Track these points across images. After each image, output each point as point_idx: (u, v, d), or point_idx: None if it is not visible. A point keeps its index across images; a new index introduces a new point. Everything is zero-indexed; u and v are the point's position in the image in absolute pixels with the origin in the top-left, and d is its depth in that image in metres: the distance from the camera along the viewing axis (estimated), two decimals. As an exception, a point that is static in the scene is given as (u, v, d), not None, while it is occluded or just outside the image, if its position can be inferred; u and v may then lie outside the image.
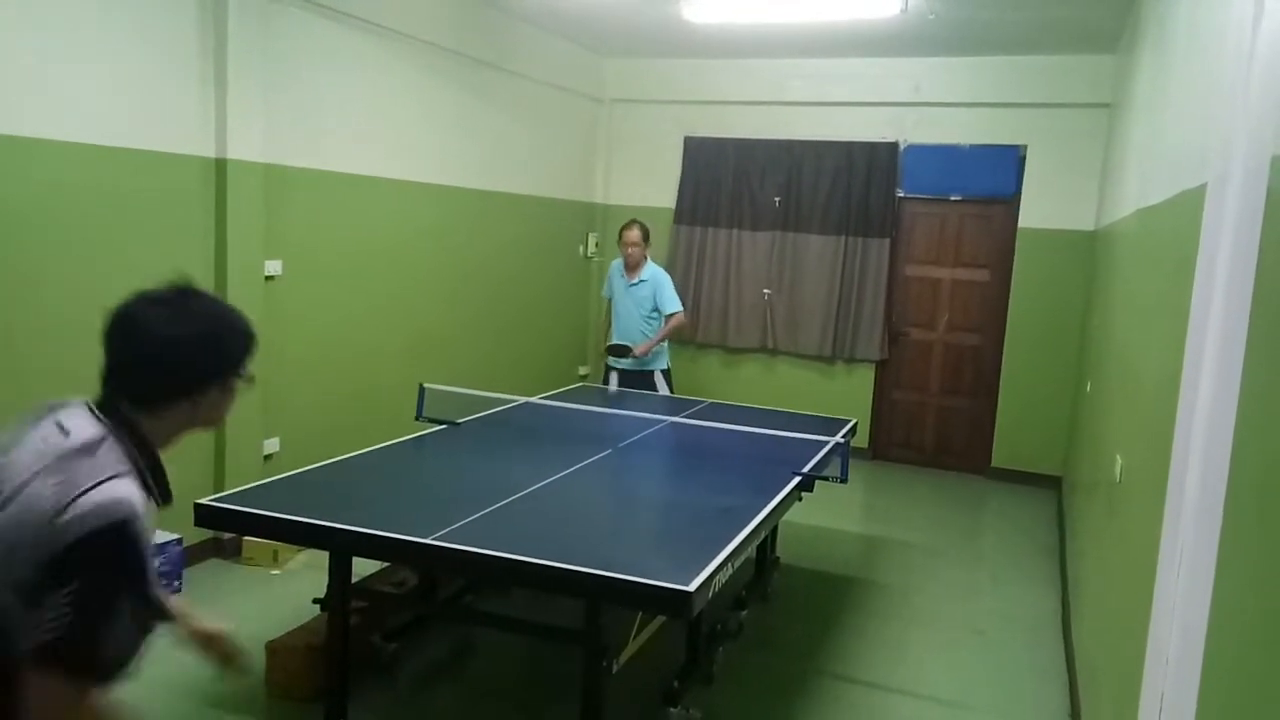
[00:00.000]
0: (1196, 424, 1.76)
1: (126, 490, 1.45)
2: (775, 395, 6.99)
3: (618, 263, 5.85)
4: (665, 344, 5.85)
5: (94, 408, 1.55)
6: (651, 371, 5.75)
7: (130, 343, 1.56)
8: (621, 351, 5.63)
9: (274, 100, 4.46)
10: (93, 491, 1.42)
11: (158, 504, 1.57)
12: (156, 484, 1.56)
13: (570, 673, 2.87)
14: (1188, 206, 2.18)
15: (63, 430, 1.50)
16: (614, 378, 5.63)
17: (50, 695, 1.40)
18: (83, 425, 1.51)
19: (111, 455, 1.48)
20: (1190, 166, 2.27)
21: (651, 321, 5.71)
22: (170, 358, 1.56)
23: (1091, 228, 6.35)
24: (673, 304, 5.70)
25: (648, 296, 5.68)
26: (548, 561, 2.49)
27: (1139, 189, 3.64)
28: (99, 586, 1.40)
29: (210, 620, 1.90)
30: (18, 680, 1.39)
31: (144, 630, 1.50)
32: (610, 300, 5.93)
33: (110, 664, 1.44)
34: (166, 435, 1.61)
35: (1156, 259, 2.78)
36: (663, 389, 5.75)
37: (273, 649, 3.26)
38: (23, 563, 1.38)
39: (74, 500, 1.40)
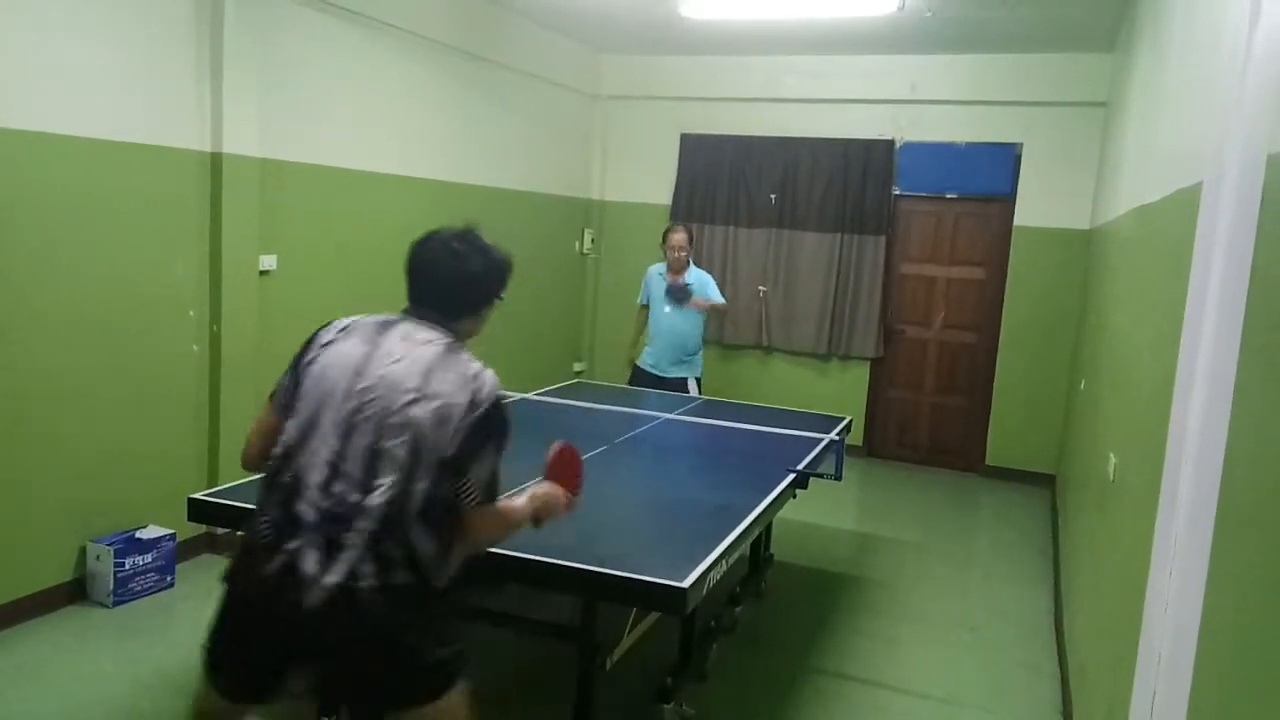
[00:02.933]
0: (1191, 422, 1.76)
1: (493, 376, 2.08)
2: (770, 392, 7.00)
3: (657, 267, 5.70)
4: (702, 354, 5.76)
5: (422, 320, 2.13)
6: (684, 379, 5.62)
7: (443, 270, 2.17)
8: (683, 293, 5.50)
9: (270, 94, 4.45)
10: (485, 373, 2.06)
11: None
12: None
13: (564, 669, 2.86)
14: (1183, 205, 2.18)
15: (421, 340, 2.07)
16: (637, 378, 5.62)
17: (487, 520, 2.08)
18: (431, 334, 2.10)
19: (464, 350, 2.10)
20: (1186, 165, 2.27)
21: (697, 322, 5.61)
22: (476, 284, 2.20)
23: (1087, 226, 6.37)
24: (721, 297, 5.68)
25: (700, 294, 5.60)
26: (542, 557, 2.48)
27: (1134, 187, 3.64)
28: (504, 436, 2.05)
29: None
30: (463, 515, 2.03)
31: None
32: (645, 307, 5.76)
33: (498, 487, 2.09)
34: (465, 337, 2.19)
35: (1152, 257, 2.78)
36: (694, 394, 5.66)
37: (266, 644, 3.24)
38: (454, 434, 1.96)
39: (477, 378, 2.02)
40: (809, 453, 3.83)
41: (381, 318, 2.13)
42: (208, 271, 4.22)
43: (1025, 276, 6.67)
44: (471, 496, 2.00)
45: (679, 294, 5.52)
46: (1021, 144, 6.62)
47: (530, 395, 4.71)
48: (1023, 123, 6.58)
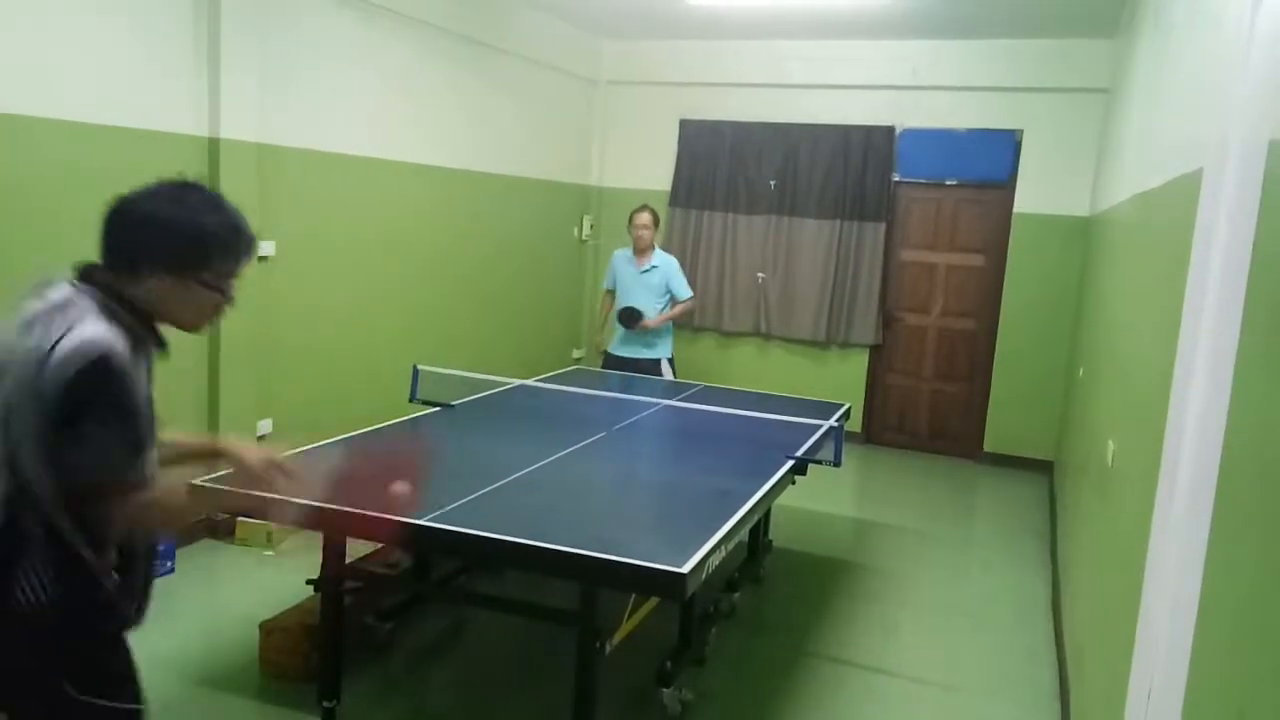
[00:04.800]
0: (1190, 408, 1.76)
1: (94, 330, 1.55)
2: (769, 379, 7.00)
3: (622, 252, 5.80)
4: (671, 332, 5.82)
5: (73, 279, 1.66)
6: (657, 360, 5.72)
7: (120, 218, 1.67)
8: (633, 318, 5.59)
9: (267, 80, 4.43)
10: (66, 337, 1.53)
11: (156, 347, 1.70)
12: (144, 328, 1.66)
13: (563, 653, 2.88)
14: (1184, 191, 2.18)
15: (42, 298, 1.62)
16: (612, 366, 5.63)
17: (123, 512, 1.60)
18: (59, 290, 1.63)
19: (83, 306, 1.59)
20: (1187, 151, 2.27)
21: (662, 307, 5.68)
22: (149, 229, 1.65)
23: (1086, 213, 6.36)
24: (686, 290, 5.72)
25: (660, 283, 5.65)
26: (542, 543, 2.49)
27: (1135, 174, 3.63)
28: (101, 419, 1.54)
29: (256, 447, 1.93)
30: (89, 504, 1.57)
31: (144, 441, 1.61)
32: (611, 292, 5.85)
33: (140, 470, 1.60)
34: (147, 303, 1.67)
35: (1152, 243, 2.78)
36: (668, 376, 5.72)
37: (267, 629, 3.26)
38: (34, 414, 1.52)
39: (53, 348, 1.52)
40: (808, 439, 3.83)
41: (54, 277, 1.70)
42: (206, 257, 4.21)
43: (1025, 263, 6.66)
44: (82, 476, 1.55)
45: (627, 319, 5.63)
46: (1022, 130, 6.60)
47: (529, 381, 4.71)
48: (1023, 109, 6.55)
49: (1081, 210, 6.41)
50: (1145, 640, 1.88)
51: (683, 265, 7.20)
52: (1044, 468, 6.58)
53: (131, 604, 1.73)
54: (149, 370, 1.70)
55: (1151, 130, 3.33)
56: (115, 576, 1.67)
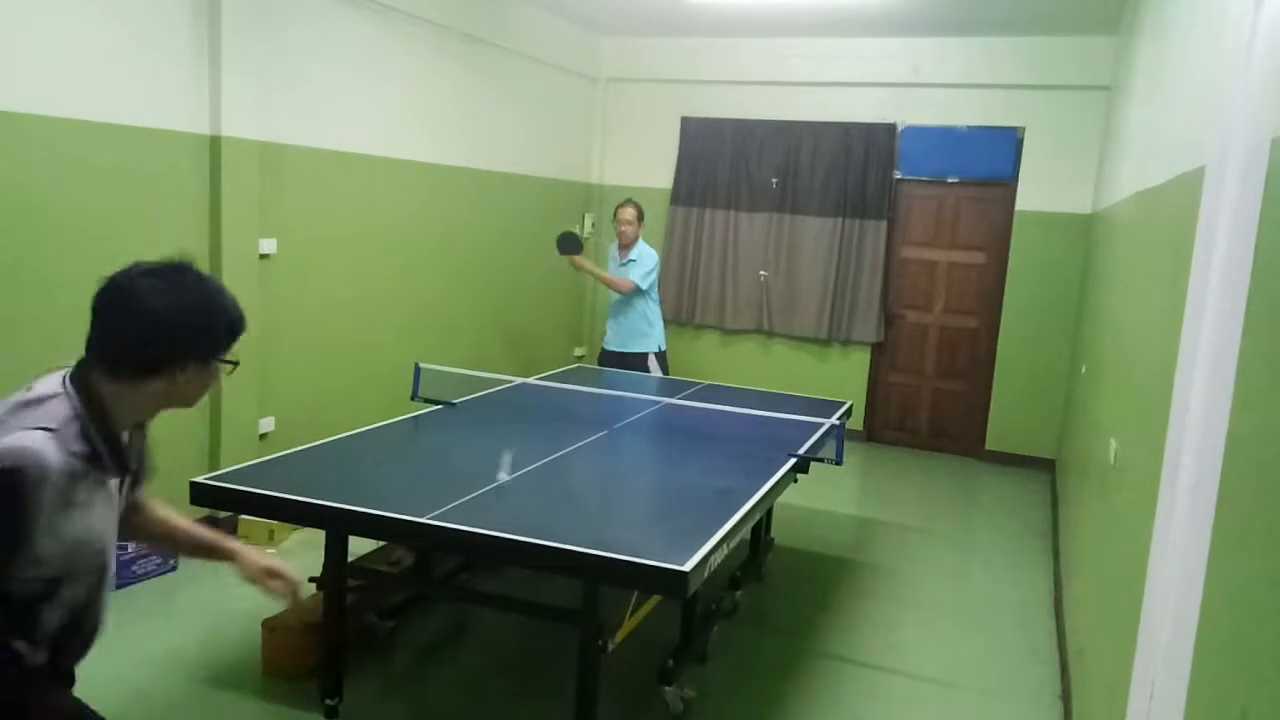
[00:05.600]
0: (1192, 407, 1.76)
1: (33, 441, 1.46)
2: (771, 377, 7.00)
3: (612, 246, 5.90)
4: (660, 325, 5.84)
5: (68, 373, 1.59)
6: (644, 354, 5.75)
7: (112, 310, 1.57)
8: (571, 243, 5.78)
9: (268, 77, 4.43)
10: (5, 436, 1.45)
11: (110, 471, 1.60)
12: (110, 452, 1.58)
13: (566, 651, 2.88)
14: (1186, 189, 2.17)
15: (28, 388, 1.57)
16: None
17: None
18: (46, 384, 1.57)
19: (53, 411, 1.51)
20: (1189, 149, 2.26)
21: (639, 300, 5.71)
22: (148, 330, 1.56)
23: (1089, 211, 6.35)
24: (641, 279, 5.65)
25: (637, 275, 5.70)
26: (544, 541, 2.49)
27: (1137, 171, 3.63)
28: None
29: (265, 557, 1.96)
30: None
31: None
32: None
33: None
34: (138, 407, 1.63)
35: (1154, 241, 2.78)
36: (655, 371, 5.75)
37: (269, 627, 3.27)
38: None
39: None
40: (809, 437, 3.84)
41: (50, 369, 1.67)
42: (207, 255, 4.21)
43: (1027, 261, 6.65)
44: None
45: (566, 244, 5.78)
46: (1024, 128, 6.59)
47: (531, 380, 4.71)
48: (1025, 106, 6.55)
49: (1083, 208, 6.41)
50: (1148, 639, 1.88)
51: (683, 263, 7.24)
52: (1046, 466, 6.58)
53: (59, 674, 1.67)
54: (107, 496, 1.62)
55: (1153, 127, 3.32)
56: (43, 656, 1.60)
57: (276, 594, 1.94)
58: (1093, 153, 6.33)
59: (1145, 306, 2.75)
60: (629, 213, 5.69)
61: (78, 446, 1.52)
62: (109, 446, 1.58)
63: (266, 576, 1.92)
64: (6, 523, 1.45)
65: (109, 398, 1.58)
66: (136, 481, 1.81)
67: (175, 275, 1.61)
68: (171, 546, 2.00)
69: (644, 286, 5.71)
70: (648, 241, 5.87)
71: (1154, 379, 2.26)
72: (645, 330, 5.78)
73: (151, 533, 1.95)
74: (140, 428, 1.73)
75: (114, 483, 1.64)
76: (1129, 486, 2.54)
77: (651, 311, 5.76)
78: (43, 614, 1.57)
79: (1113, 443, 2.99)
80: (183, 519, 1.98)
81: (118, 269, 1.60)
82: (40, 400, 1.53)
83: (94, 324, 1.58)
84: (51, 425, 1.49)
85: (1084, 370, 4.96)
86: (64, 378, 1.58)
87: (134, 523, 1.90)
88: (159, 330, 1.56)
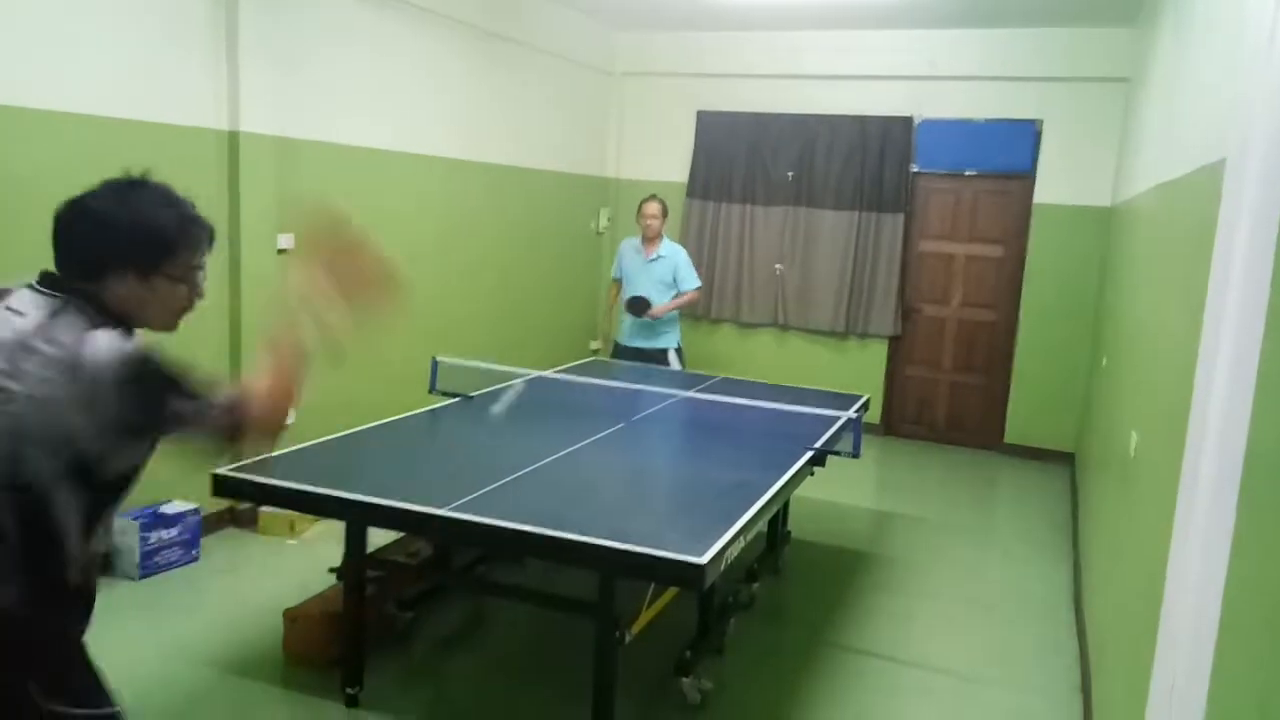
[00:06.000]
0: (1213, 399, 1.75)
1: (108, 336, 1.54)
2: (787, 371, 6.99)
3: (630, 241, 5.86)
4: (677, 322, 5.86)
5: (36, 286, 1.63)
6: (664, 350, 5.76)
7: (73, 220, 1.63)
8: (641, 306, 5.65)
9: (286, 73, 4.45)
10: (87, 342, 1.51)
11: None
12: (129, 334, 1.62)
13: (583, 642, 2.90)
14: (1207, 181, 2.16)
15: (15, 312, 1.59)
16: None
17: (258, 423, 1.65)
18: (33, 302, 1.60)
19: (72, 315, 1.57)
20: (1209, 140, 2.25)
21: (662, 297, 5.71)
22: (107, 230, 1.61)
23: (1108, 203, 6.30)
24: (693, 280, 5.73)
25: (667, 272, 5.68)
26: (562, 533, 2.51)
27: (1157, 164, 3.60)
28: (162, 398, 1.54)
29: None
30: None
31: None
32: (618, 281, 5.91)
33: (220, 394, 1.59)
34: (118, 303, 1.64)
35: (1175, 234, 2.76)
36: (675, 366, 5.76)
37: (290, 617, 3.30)
38: (83, 429, 1.51)
39: (80, 353, 1.50)
40: (826, 430, 3.83)
41: (3, 286, 1.70)
42: (226, 249, 4.25)
43: (1045, 254, 6.61)
44: (206, 433, 1.59)
45: (636, 307, 5.68)
46: (1042, 120, 6.54)
47: (546, 373, 4.73)
48: (1043, 99, 6.50)
49: (1103, 200, 6.36)
50: (1168, 632, 1.88)
51: (699, 257, 7.23)
52: (1065, 459, 6.54)
53: (87, 607, 1.71)
54: None
55: (1173, 119, 3.30)
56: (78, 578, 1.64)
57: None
58: (1112, 145, 6.28)
59: (1167, 298, 2.74)
60: (654, 207, 5.67)
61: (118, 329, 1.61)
62: (124, 329, 1.65)
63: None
64: (174, 368, 1.56)
65: (99, 294, 1.62)
66: None
67: (127, 185, 1.66)
68: None
69: (698, 283, 5.77)
70: (669, 237, 5.87)
71: (1175, 371, 2.25)
72: (665, 328, 5.78)
73: None
74: None
75: None
76: (1149, 479, 2.53)
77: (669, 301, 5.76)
78: (108, 512, 1.65)
79: (1133, 435, 2.98)
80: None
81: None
82: (54, 312, 1.57)
83: (56, 238, 1.66)
84: (89, 325, 1.56)
85: (1104, 363, 4.93)
86: (38, 292, 1.62)
87: None
88: (90, 230, 1.62)
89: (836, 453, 3.66)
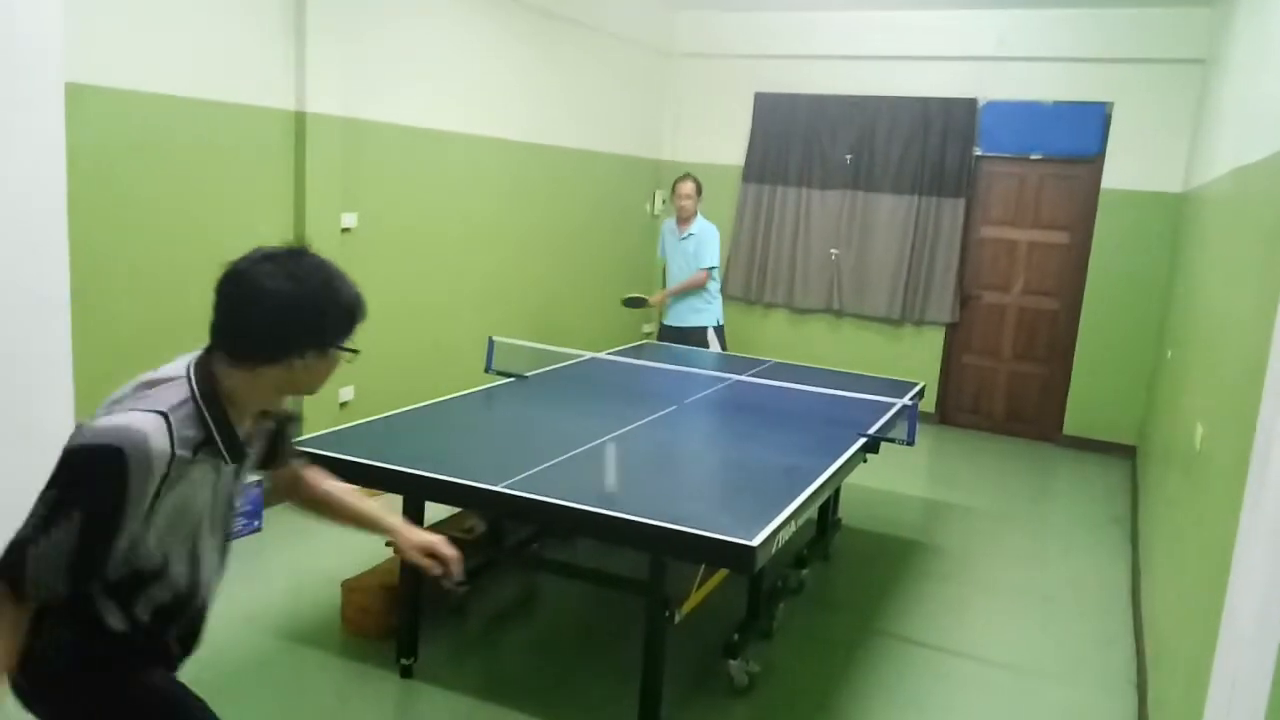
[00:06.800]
0: (1285, 392, 1.70)
1: (141, 423, 1.45)
2: (841, 357, 6.93)
3: (669, 221, 5.91)
4: (718, 300, 5.84)
5: (195, 357, 1.60)
6: (703, 329, 5.76)
7: (231, 296, 1.55)
8: (637, 302, 5.83)
9: (350, 54, 4.52)
10: (109, 417, 1.46)
11: (222, 457, 1.59)
12: (222, 439, 1.57)
13: (632, 621, 2.93)
14: (1287, 166, 2.09)
15: (156, 370, 1.58)
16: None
17: None
18: (172, 366, 1.58)
19: (170, 394, 1.51)
20: (1291, 124, 2.17)
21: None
22: (265, 317, 1.53)
23: (1179, 189, 6.11)
24: (708, 259, 5.71)
25: (694, 250, 5.72)
26: (614, 513, 2.53)
27: (1234, 148, 3.48)
28: (59, 499, 1.43)
29: (423, 534, 1.97)
30: None
31: (88, 565, 1.48)
32: (665, 260, 5.97)
33: (30, 579, 1.44)
34: (257, 395, 1.61)
35: (1251, 220, 2.67)
36: (714, 346, 5.75)
37: (349, 588, 3.39)
38: None
39: (96, 420, 1.46)
40: (880, 417, 3.80)
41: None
42: (292, 227, 4.34)
43: (1112, 241, 6.44)
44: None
45: (634, 303, 5.89)
46: (1112, 103, 6.36)
47: (601, 355, 4.76)
48: (1113, 80, 6.31)
49: (1174, 186, 6.17)
50: (1231, 626, 1.83)
51: (753, 240, 7.19)
52: (1127, 452, 6.39)
53: (163, 652, 1.69)
54: (216, 482, 1.63)
55: (1252, 101, 3.18)
56: (143, 633, 1.62)
57: (432, 572, 1.93)
58: (1184, 129, 6.08)
59: (1239, 289, 2.66)
60: (688, 186, 5.69)
61: (190, 431, 1.51)
62: (223, 433, 1.57)
63: (423, 554, 1.93)
64: (101, 504, 1.43)
65: (228, 384, 1.57)
66: (267, 463, 1.84)
67: (293, 260, 1.56)
68: (331, 516, 1.98)
69: (716, 264, 5.72)
70: (713, 218, 5.87)
71: (1245, 364, 2.19)
72: (704, 306, 5.80)
73: (313, 501, 1.99)
74: (266, 414, 1.71)
75: (228, 468, 1.64)
76: (1215, 473, 2.46)
77: (711, 286, 5.76)
78: (140, 595, 1.59)
79: (1199, 428, 2.90)
80: (346, 491, 2.01)
81: (238, 256, 1.57)
82: (161, 382, 1.54)
83: (215, 309, 1.57)
84: (163, 408, 1.49)
85: (1169, 355, 4.80)
86: (190, 362, 1.58)
87: (294, 493, 1.99)
88: (276, 317, 1.53)
89: (890, 440, 3.63)
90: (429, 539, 1.94)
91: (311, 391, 1.67)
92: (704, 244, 5.70)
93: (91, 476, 1.43)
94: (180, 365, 1.58)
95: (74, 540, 1.43)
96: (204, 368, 1.57)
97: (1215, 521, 2.27)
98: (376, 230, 4.83)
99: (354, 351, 1.66)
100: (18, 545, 1.43)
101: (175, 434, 1.48)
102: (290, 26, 4.23)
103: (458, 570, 1.93)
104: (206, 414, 1.54)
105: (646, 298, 5.84)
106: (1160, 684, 2.95)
